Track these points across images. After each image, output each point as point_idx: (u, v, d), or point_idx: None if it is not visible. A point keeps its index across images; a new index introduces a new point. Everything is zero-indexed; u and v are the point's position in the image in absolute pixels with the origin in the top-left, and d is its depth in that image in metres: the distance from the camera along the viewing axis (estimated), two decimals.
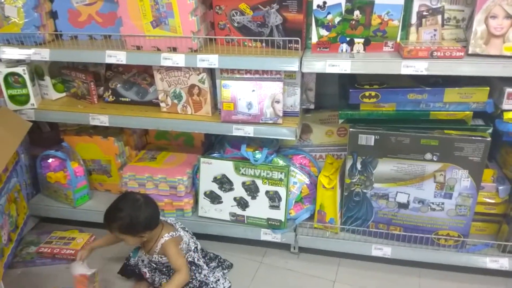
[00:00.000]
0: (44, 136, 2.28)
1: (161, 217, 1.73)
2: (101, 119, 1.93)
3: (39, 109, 2.01)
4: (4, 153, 1.66)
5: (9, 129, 1.78)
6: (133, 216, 1.60)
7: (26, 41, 1.86)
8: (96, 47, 1.82)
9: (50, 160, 2.11)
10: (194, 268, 1.71)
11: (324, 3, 1.59)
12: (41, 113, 2.00)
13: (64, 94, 2.14)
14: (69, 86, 2.10)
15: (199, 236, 1.88)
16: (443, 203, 1.72)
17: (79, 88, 2.05)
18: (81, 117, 1.96)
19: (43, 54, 1.84)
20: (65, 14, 1.92)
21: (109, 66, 2.06)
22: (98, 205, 2.15)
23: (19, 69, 1.94)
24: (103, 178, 2.20)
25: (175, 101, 1.88)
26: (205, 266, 1.77)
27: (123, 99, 2.02)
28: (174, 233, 1.70)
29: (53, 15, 1.93)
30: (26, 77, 1.95)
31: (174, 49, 1.74)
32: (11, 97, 1.98)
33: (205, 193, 1.98)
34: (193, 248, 1.75)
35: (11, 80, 1.96)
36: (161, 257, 1.69)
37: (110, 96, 2.03)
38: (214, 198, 1.97)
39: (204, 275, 1.73)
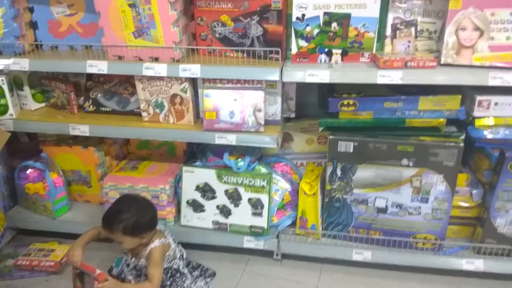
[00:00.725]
0: (22, 147, 2.25)
1: None
2: (82, 129, 1.91)
3: (18, 119, 1.99)
4: None
5: None
6: (139, 216, 1.61)
7: (5, 51, 1.85)
8: (77, 57, 1.82)
9: (28, 171, 2.08)
10: (178, 275, 1.71)
11: (303, 15, 1.64)
12: (20, 123, 1.98)
13: (43, 104, 2.12)
14: (48, 96, 2.09)
15: (182, 245, 1.88)
16: (420, 207, 1.78)
17: (59, 98, 2.03)
18: (61, 127, 1.94)
19: (22, 64, 1.82)
20: (45, 24, 1.91)
21: (89, 76, 2.05)
22: (78, 216, 2.13)
23: None
24: (82, 189, 2.18)
25: (157, 110, 1.89)
26: (189, 275, 1.77)
27: (104, 109, 2.01)
28: (164, 240, 1.71)
29: (33, 25, 1.92)
30: (5, 87, 1.93)
31: (156, 59, 1.76)
32: None
33: (187, 202, 1.99)
34: (178, 255, 1.76)
35: None
36: (147, 262, 1.68)
37: (91, 106, 2.02)
38: (196, 207, 1.98)
39: (187, 285, 1.73)
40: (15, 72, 1.99)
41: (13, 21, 1.82)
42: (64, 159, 2.11)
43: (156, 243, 1.67)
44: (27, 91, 2.03)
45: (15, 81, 2.02)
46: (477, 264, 1.79)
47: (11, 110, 1.97)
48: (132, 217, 1.60)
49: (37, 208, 2.12)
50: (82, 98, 2.05)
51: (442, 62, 1.62)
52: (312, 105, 2.09)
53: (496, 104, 1.64)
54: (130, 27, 1.71)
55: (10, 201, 2.20)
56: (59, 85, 2.00)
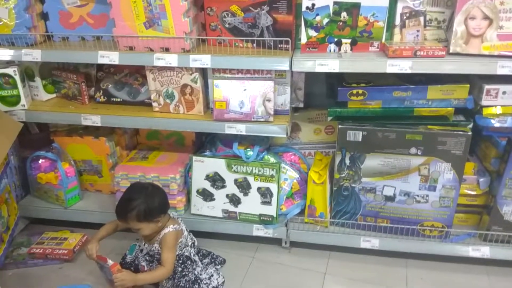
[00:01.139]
0: (33, 138, 2.27)
1: None
2: (93, 119, 1.94)
3: (30, 110, 2.01)
4: None
5: (0, 130, 1.78)
6: (148, 201, 1.65)
7: (17, 42, 1.87)
8: (88, 48, 1.84)
9: (40, 161, 2.11)
10: (189, 263, 1.74)
11: (313, 5, 1.65)
12: (32, 114, 2.00)
13: (54, 95, 2.14)
14: (59, 87, 2.11)
15: (192, 233, 1.91)
16: (427, 195, 1.81)
17: (70, 89, 2.06)
18: (72, 117, 1.97)
19: (34, 55, 1.84)
20: (56, 16, 1.93)
21: (100, 67, 2.08)
22: (89, 205, 2.16)
23: (9, 70, 1.94)
24: (94, 179, 2.21)
25: (168, 100, 1.91)
26: (199, 263, 1.81)
27: (114, 99, 2.04)
28: (178, 226, 1.75)
29: (44, 16, 1.94)
30: (17, 78, 1.95)
31: (167, 50, 1.78)
32: (2, 98, 1.98)
33: (197, 191, 2.01)
34: (190, 243, 1.79)
35: (2, 81, 1.96)
36: (160, 247, 1.72)
37: (102, 97, 2.04)
38: (206, 196, 2.01)
39: (198, 272, 1.77)
40: (26, 63, 2.02)
41: (25, 12, 1.84)
42: (75, 149, 2.14)
43: (170, 228, 1.71)
44: (38, 82, 2.05)
45: (27, 72, 2.04)
46: (484, 251, 1.82)
47: (23, 100, 1.99)
48: (143, 203, 1.64)
49: (49, 197, 2.16)
50: (93, 88, 2.08)
51: (451, 51, 1.63)
52: (319, 95, 2.10)
53: (504, 93, 1.65)
54: (141, 18, 1.73)
55: (22, 191, 2.23)
56: (70, 76, 2.02)
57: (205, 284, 1.75)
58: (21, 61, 1.94)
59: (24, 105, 2.00)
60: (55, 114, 1.99)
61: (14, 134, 1.85)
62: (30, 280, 1.89)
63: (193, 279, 1.72)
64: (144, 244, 1.77)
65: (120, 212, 1.68)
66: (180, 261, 1.74)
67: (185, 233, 1.78)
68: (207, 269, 1.84)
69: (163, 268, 1.65)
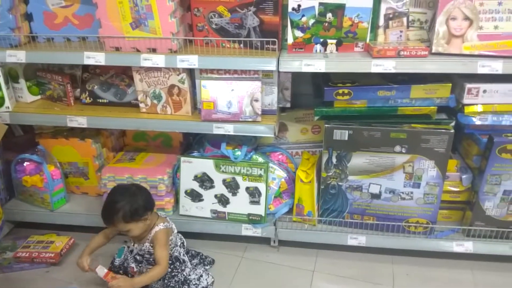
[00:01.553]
0: (17, 141, 2.25)
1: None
2: (79, 121, 1.93)
3: (14, 112, 1.98)
4: None
5: None
6: (132, 201, 1.65)
7: (1, 43, 1.84)
8: (73, 49, 1.83)
9: (25, 164, 2.08)
10: (178, 264, 1.75)
11: (299, 6, 1.68)
12: (17, 116, 1.98)
13: (39, 96, 2.12)
14: (44, 88, 2.09)
15: (181, 234, 1.91)
16: (412, 193, 1.84)
17: (55, 90, 2.04)
18: (58, 119, 1.95)
19: (19, 56, 1.82)
20: (40, 16, 1.91)
21: (85, 68, 2.06)
22: (76, 208, 2.14)
23: None
24: (80, 181, 2.19)
25: (155, 101, 1.91)
26: (188, 263, 1.81)
27: (100, 100, 2.02)
28: (168, 224, 1.76)
29: (28, 17, 1.92)
30: (1, 79, 1.92)
31: (154, 50, 1.78)
32: None
33: (186, 192, 2.02)
34: (179, 243, 1.79)
35: None
36: (151, 245, 1.72)
37: (87, 98, 2.03)
38: (195, 196, 2.01)
39: (187, 273, 1.77)
40: (10, 65, 1.99)
41: (9, 12, 1.82)
42: (60, 151, 2.11)
43: (160, 226, 1.72)
44: (22, 83, 2.03)
45: (10, 74, 2.01)
46: (467, 246, 1.86)
47: (7, 102, 1.97)
48: (127, 204, 1.64)
49: (34, 200, 2.13)
50: (79, 90, 2.06)
51: (433, 51, 1.67)
52: (306, 96, 2.13)
53: (484, 91, 1.70)
54: (128, 18, 1.72)
55: (6, 194, 2.20)
56: (55, 77, 2.00)
57: (194, 284, 1.75)
58: (5, 62, 1.91)
59: (8, 107, 1.97)
60: (40, 116, 1.97)
61: None
62: (17, 284, 1.87)
63: (182, 279, 1.72)
64: (134, 244, 1.77)
65: (106, 217, 1.67)
66: (170, 262, 1.73)
67: (175, 231, 1.79)
68: (196, 269, 1.84)
69: (158, 267, 1.66)
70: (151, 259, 1.75)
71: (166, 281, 1.70)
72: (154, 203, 1.77)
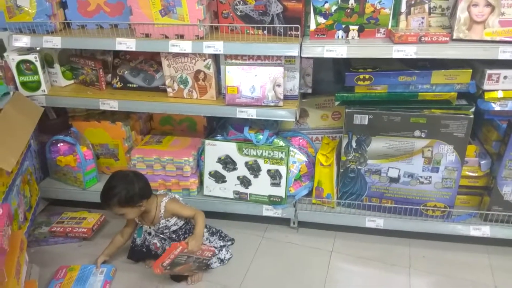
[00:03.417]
0: (50, 123, 2.36)
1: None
2: (111, 104, 2.03)
3: (50, 95, 2.11)
4: (23, 135, 1.76)
5: (25, 114, 1.87)
6: (128, 188, 1.71)
7: (38, 29, 1.95)
8: (106, 36, 1.92)
9: (59, 145, 2.21)
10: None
11: None
12: (52, 99, 2.10)
13: (72, 81, 2.23)
14: (77, 73, 2.20)
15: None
16: (430, 177, 1.88)
17: (87, 75, 2.15)
18: (91, 102, 2.06)
19: (55, 42, 1.93)
20: (74, 4, 2.01)
21: (116, 54, 2.16)
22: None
23: (31, 57, 2.03)
24: (110, 162, 2.31)
25: (182, 86, 2.00)
26: (206, 231, 1.91)
27: (130, 85, 2.12)
28: (170, 195, 1.84)
29: (63, 5, 2.02)
30: (38, 64, 2.04)
31: (181, 37, 1.86)
32: (23, 84, 2.07)
33: (210, 173, 2.10)
34: None
35: (23, 67, 2.05)
36: (167, 220, 1.80)
37: (118, 83, 2.13)
38: (218, 178, 2.10)
39: (206, 238, 1.87)
40: (45, 51, 2.11)
41: (45, 0, 1.92)
42: (92, 133, 2.23)
43: (165, 200, 1.80)
44: (57, 68, 2.14)
45: (46, 59, 2.13)
46: (484, 230, 1.90)
47: (43, 86, 2.09)
48: (123, 189, 1.70)
49: (67, 179, 2.26)
50: (110, 75, 2.16)
51: (454, 37, 1.70)
52: (327, 82, 2.18)
53: (505, 77, 1.72)
54: (157, 6, 1.80)
55: (41, 173, 2.34)
56: (88, 63, 2.11)
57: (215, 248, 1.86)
58: (42, 48, 2.02)
59: (44, 91, 2.10)
60: (74, 99, 2.08)
61: (36, 117, 1.94)
62: (52, 256, 1.99)
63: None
64: (150, 227, 1.86)
65: (104, 200, 1.75)
66: (188, 226, 1.84)
67: (181, 199, 1.88)
68: (215, 240, 1.93)
69: (197, 216, 1.76)
70: (173, 236, 1.84)
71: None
72: (151, 191, 1.80)
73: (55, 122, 2.35)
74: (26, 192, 2.00)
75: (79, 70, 2.18)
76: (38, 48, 2.10)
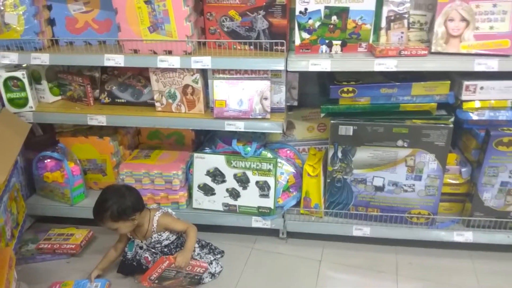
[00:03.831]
0: (37, 140, 2.36)
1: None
2: (99, 119, 2.04)
3: (37, 111, 2.11)
4: (11, 152, 1.76)
5: (12, 130, 1.87)
6: (121, 201, 1.72)
7: (26, 46, 1.97)
8: (94, 52, 1.95)
9: (46, 161, 2.20)
10: None
11: (306, 9, 1.79)
12: (40, 115, 2.10)
13: (59, 97, 2.24)
14: (65, 89, 2.21)
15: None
16: (414, 185, 1.94)
17: (75, 91, 2.16)
18: (79, 117, 2.07)
19: (43, 59, 1.94)
20: (62, 21, 2.04)
21: (104, 70, 2.18)
22: (94, 202, 2.24)
23: (18, 73, 2.04)
24: (98, 177, 2.31)
25: (170, 100, 2.03)
26: (196, 245, 1.91)
27: (118, 100, 2.14)
28: (163, 210, 1.86)
29: (51, 22, 2.04)
30: (25, 80, 2.05)
31: (170, 52, 1.89)
32: (10, 100, 2.07)
33: (198, 186, 2.12)
34: None
35: (10, 84, 2.05)
36: (160, 235, 1.81)
37: (106, 98, 2.15)
38: (207, 190, 2.12)
39: (197, 254, 1.87)
40: (33, 67, 2.12)
41: (34, 18, 1.94)
42: (80, 149, 2.23)
43: (157, 214, 1.81)
44: (44, 84, 2.15)
45: (33, 75, 2.14)
46: (467, 236, 1.96)
47: (30, 102, 2.09)
48: (115, 203, 1.71)
49: (55, 195, 2.25)
50: (97, 90, 2.18)
51: (432, 50, 1.78)
52: (312, 95, 2.24)
53: (481, 88, 1.80)
54: (146, 23, 1.84)
55: (28, 190, 2.32)
56: (76, 79, 2.12)
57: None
58: (29, 64, 2.03)
59: (31, 107, 2.10)
60: (62, 115, 2.09)
61: (24, 134, 1.94)
62: (40, 273, 1.97)
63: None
64: (142, 242, 1.86)
65: (96, 214, 1.76)
66: (180, 242, 1.84)
67: (173, 213, 1.90)
68: (205, 255, 1.94)
69: (189, 230, 1.78)
70: (165, 250, 1.85)
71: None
72: (144, 204, 1.82)
73: (42, 139, 2.35)
74: (13, 209, 1.98)
75: (66, 86, 2.19)
76: (24, 65, 2.10)
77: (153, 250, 1.86)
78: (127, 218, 1.74)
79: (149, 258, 1.87)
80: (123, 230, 1.78)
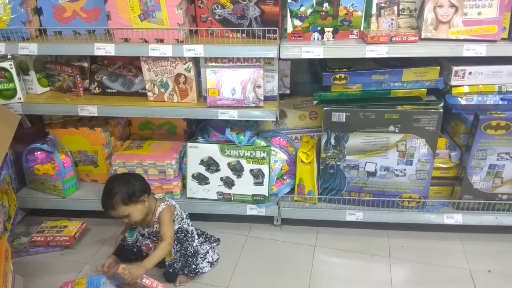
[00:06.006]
0: (25, 132, 2.31)
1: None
2: (90, 110, 2.02)
3: (26, 102, 2.07)
4: (2, 144, 1.73)
5: (1, 122, 1.83)
6: (128, 184, 1.75)
7: (13, 36, 1.92)
8: (83, 41, 1.92)
9: (36, 153, 2.17)
10: (189, 235, 1.84)
11: None
12: (29, 107, 2.06)
13: (48, 88, 2.20)
14: (53, 80, 2.17)
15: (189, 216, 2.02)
16: (405, 169, 1.98)
17: (64, 81, 2.12)
18: (69, 108, 2.04)
19: (31, 49, 1.90)
20: (50, 10, 1.99)
21: (93, 60, 2.15)
22: (86, 194, 2.23)
23: (6, 64, 1.99)
24: (89, 169, 2.28)
25: (162, 90, 2.02)
26: (196, 236, 1.92)
27: (109, 90, 2.12)
28: (169, 202, 1.87)
29: (38, 11, 2.00)
30: (13, 71, 2.01)
31: (161, 41, 1.88)
32: None
33: (192, 176, 2.12)
34: (184, 215, 1.92)
35: None
36: (159, 223, 1.82)
37: (96, 88, 2.12)
38: (201, 180, 2.12)
39: (195, 245, 1.88)
40: (20, 58, 2.07)
41: (20, 7, 1.90)
42: (70, 140, 2.20)
43: (162, 206, 1.83)
44: (32, 75, 2.11)
45: (21, 66, 2.09)
46: (457, 218, 2.01)
47: (19, 94, 2.05)
48: (123, 187, 1.74)
49: (46, 188, 2.22)
50: (87, 81, 2.15)
51: (422, 36, 1.80)
52: (303, 84, 2.25)
53: (470, 73, 1.85)
54: (136, 10, 1.82)
55: (17, 183, 2.28)
56: (65, 69, 2.08)
57: (201, 258, 1.87)
58: (17, 55, 1.99)
59: (20, 98, 2.06)
60: (52, 106, 2.05)
61: (14, 125, 1.90)
62: (33, 267, 1.95)
63: (192, 251, 1.83)
64: (144, 229, 1.87)
65: (106, 203, 1.76)
66: (182, 235, 1.84)
67: (177, 206, 1.90)
68: (202, 245, 1.95)
69: (163, 242, 1.76)
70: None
71: (182, 251, 1.81)
72: (150, 187, 1.85)
73: (30, 131, 2.31)
74: (5, 202, 1.95)
75: (55, 77, 2.15)
76: (9, 56, 2.05)
77: (154, 238, 1.87)
78: (138, 200, 1.76)
79: (150, 245, 1.89)
80: (135, 215, 1.77)
